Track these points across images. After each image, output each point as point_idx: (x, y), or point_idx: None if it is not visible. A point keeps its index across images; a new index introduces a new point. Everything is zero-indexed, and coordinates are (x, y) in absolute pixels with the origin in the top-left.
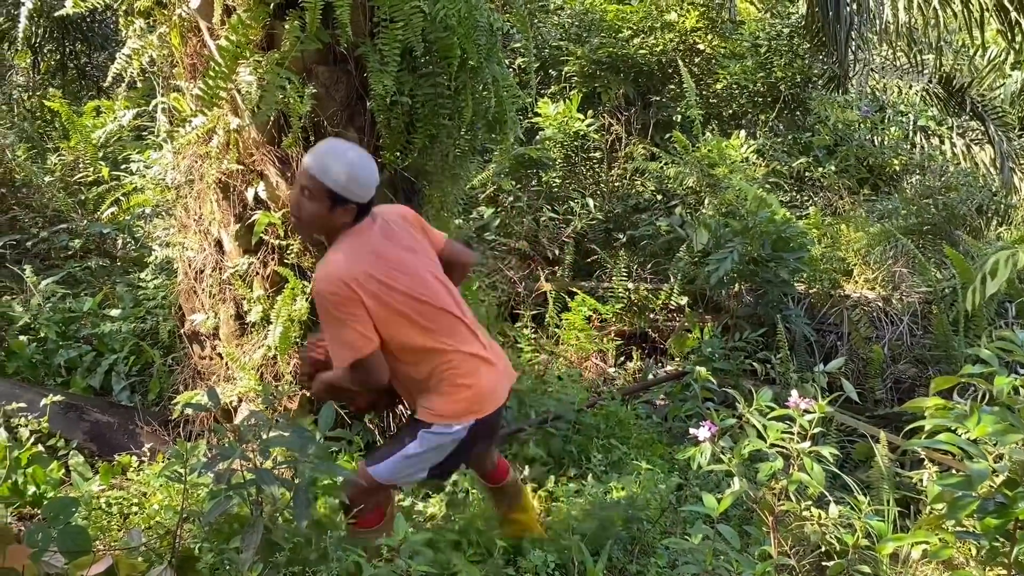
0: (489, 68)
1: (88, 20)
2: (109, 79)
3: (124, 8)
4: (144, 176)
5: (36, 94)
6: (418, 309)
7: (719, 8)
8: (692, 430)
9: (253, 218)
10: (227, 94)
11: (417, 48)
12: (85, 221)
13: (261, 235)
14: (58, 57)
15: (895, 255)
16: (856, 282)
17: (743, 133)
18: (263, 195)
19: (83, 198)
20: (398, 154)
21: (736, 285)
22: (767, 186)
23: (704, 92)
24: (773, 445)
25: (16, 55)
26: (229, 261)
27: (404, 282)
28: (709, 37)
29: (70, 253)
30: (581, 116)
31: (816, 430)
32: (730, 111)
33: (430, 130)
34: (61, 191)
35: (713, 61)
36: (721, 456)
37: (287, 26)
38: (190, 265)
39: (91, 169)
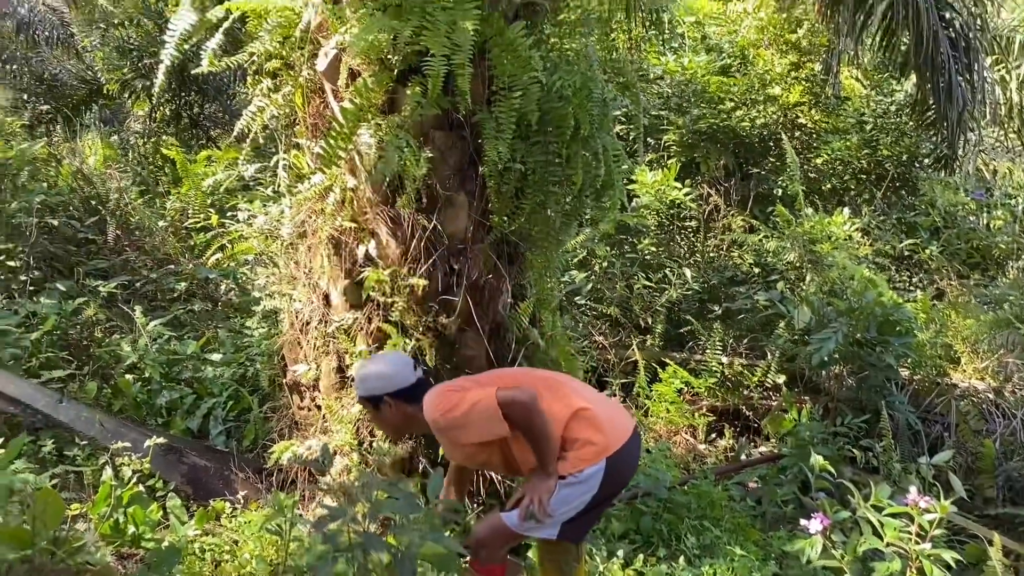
0: (600, 138)
1: (204, 73)
2: (234, 135)
3: (254, 68)
4: (251, 225)
5: (151, 140)
6: (549, 383)
7: (823, 83)
8: (803, 521)
9: (363, 275)
10: (346, 154)
11: (532, 117)
12: (192, 265)
13: (369, 292)
14: (173, 107)
15: (1007, 344)
16: (964, 371)
17: (846, 210)
18: (373, 253)
19: (191, 243)
20: (506, 219)
21: (838, 367)
22: (871, 266)
23: (804, 166)
24: (889, 544)
25: (135, 103)
26: (335, 315)
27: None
28: (812, 112)
29: (175, 295)
30: (678, 185)
31: (937, 531)
32: (829, 186)
33: (539, 196)
34: (171, 235)
35: (815, 135)
36: (833, 551)
37: (408, 91)
38: (297, 316)
39: (200, 216)
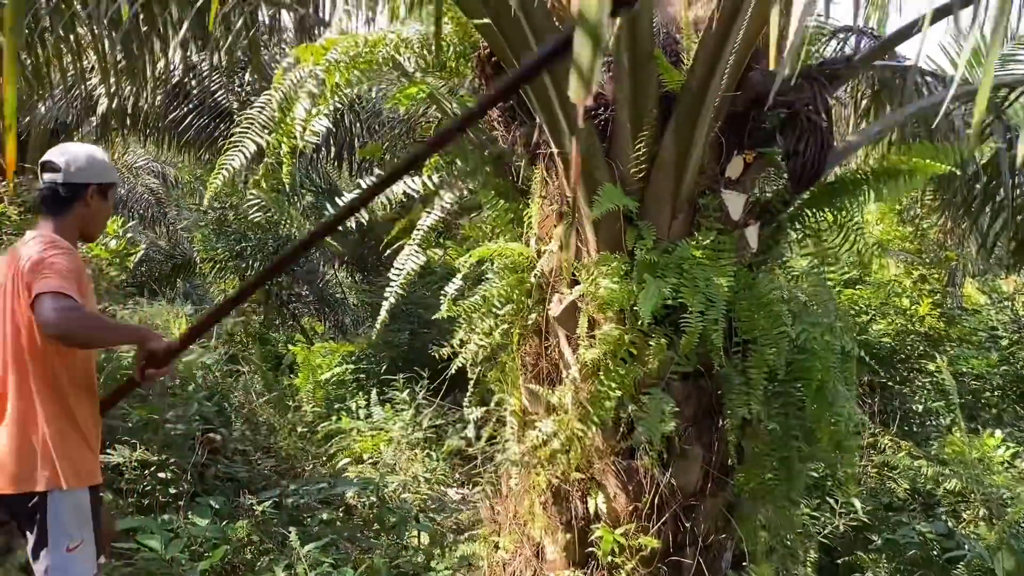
0: (839, 390)
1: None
2: (452, 370)
3: (478, 317)
4: (375, 424)
5: (238, 319)
6: None
7: (946, 294)
8: None
9: (594, 532)
10: (582, 405)
11: (780, 370)
12: (323, 472)
13: (606, 553)
14: (264, 290)
15: None
16: None
17: (998, 432)
18: (602, 507)
19: (314, 442)
20: (751, 475)
21: None
22: None
23: (936, 381)
24: None
25: (228, 282)
26: (551, 573)
27: None
28: (939, 323)
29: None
30: None
31: None
32: (964, 401)
33: (783, 452)
34: (293, 435)
35: (944, 348)
36: None
37: (652, 343)
38: (504, 567)
39: (328, 417)
